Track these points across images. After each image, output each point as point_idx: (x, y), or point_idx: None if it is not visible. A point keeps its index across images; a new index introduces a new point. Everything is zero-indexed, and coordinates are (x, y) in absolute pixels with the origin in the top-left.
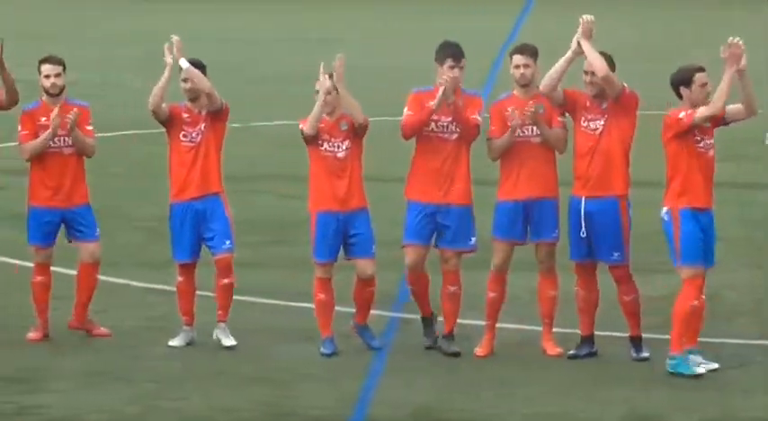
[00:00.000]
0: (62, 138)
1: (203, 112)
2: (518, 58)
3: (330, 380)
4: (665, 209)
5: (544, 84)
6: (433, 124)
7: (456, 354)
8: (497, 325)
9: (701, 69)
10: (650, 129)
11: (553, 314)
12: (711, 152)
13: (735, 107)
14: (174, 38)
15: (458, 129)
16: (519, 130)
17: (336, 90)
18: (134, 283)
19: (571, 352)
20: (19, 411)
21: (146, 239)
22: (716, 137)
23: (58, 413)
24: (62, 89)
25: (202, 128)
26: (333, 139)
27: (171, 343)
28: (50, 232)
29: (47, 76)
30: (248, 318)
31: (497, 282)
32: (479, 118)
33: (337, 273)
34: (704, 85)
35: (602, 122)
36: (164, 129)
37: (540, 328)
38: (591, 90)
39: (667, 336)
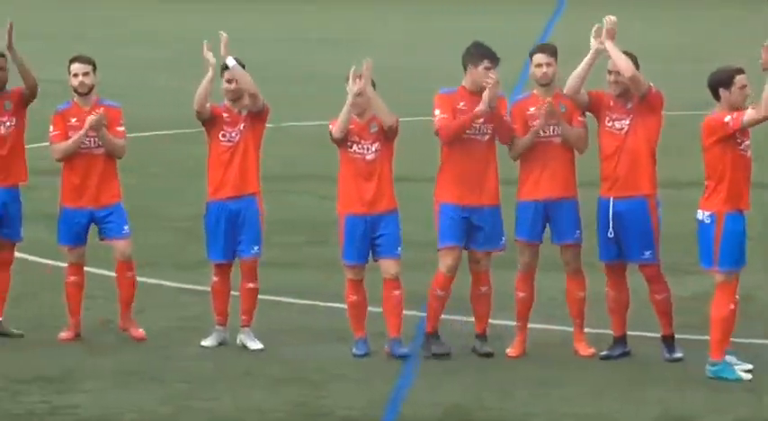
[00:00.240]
0: (92, 138)
1: (243, 113)
2: (540, 57)
3: (362, 381)
4: (706, 212)
5: (569, 86)
6: None
7: (489, 355)
8: (530, 325)
9: (741, 71)
10: (676, 129)
11: (583, 314)
12: (749, 153)
13: None
14: (223, 35)
15: (489, 131)
16: (540, 130)
17: (363, 93)
18: (168, 283)
19: (604, 352)
20: (51, 411)
21: (180, 239)
22: None
23: (90, 413)
24: (90, 88)
25: (241, 128)
26: (362, 141)
27: (203, 343)
28: (79, 232)
29: (75, 75)
30: (281, 319)
31: (525, 282)
32: (508, 118)
33: (370, 273)
34: (744, 87)
35: (628, 122)
36: (198, 129)
37: (572, 329)
38: (615, 89)
39: (699, 337)
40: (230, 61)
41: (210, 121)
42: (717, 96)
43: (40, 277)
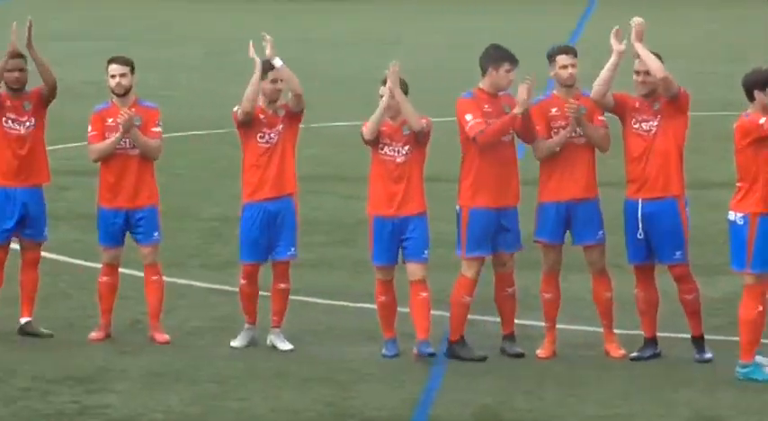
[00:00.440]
0: (127, 139)
1: (280, 113)
2: (565, 59)
3: (392, 381)
4: (738, 214)
5: (595, 91)
6: None
7: (520, 355)
8: (559, 326)
9: None
10: (702, 129)
11: (611, 315)
12: None
13: None
14: (268, 37)
15: (511, 132)
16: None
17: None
18: (197, 284)
19: (634, 354)
20: (81, 411)
21: (209, 240)
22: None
23: (119, 413)
24: (127, 89)
25: (280, 128)
26: (393, 143)
27: (233, 343)
28: (115, 233)
29: (113, 76)
30: (310, 319)
31: (550, 284)
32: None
33: (399, 274)
34: None
35: (656, 123)
36: (225, 130)
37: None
38: (642, 90)
39: (729, 338)
40: (278, 61)
41: (248, 123)
42: (751, 97)
43: (70, 277)
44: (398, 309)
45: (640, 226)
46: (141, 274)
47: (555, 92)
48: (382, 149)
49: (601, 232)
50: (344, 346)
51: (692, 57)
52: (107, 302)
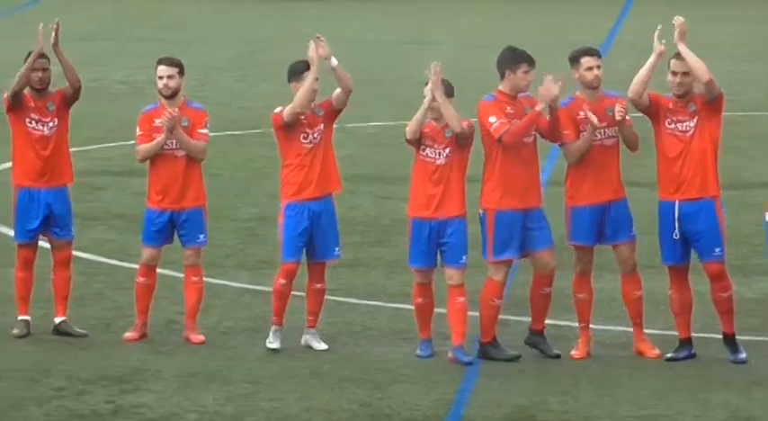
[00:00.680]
0: (174, 140)
1: (319, 113)
2: (591, 60)
3: (426, 382)
4: None
5: (633, 91)
6: None
7: (557, 357)
8: (593, 326)
9: None
10: (739, 130)
11: (642, 314)
12: None
13: None
14: (321, 38)
15: (533, 132)
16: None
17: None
18: (233, 284)
19: (669, 354)
20: (116, 411)
21: (245, 240)
22: None
23: (154, 413)
24: (175, 91)
25: (321, 128)
26: (435, 145)
27: (271, 345)
28: (158, 233)
29: (160, 78)
30: (345, 319)
31: (584, 284)
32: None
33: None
34: None
35: (693, 124)
36: (261, 130)
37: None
38: (678, 91)
39: (765, 338)
40: (334, 61)
41: (293, 124)
42: None
43: (105, 278)
44: (435, 309)
45: (677, 226)
46: (176, 274)
47: (578, 93)
48: (424, 151)
49: (633, 230)
50: (379, 347)
51: (728, 56)
52: (143, 303)
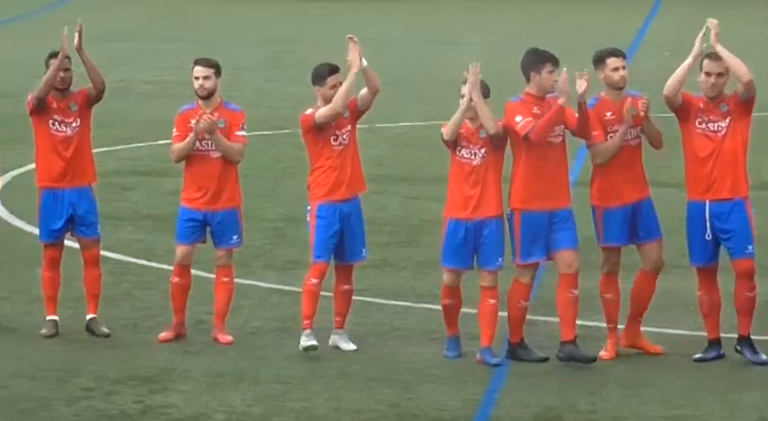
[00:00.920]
0: (209, 141)
1: (345, 114)
2: (616, 61)
3: (454, 382)
4: None
5: (670, 88)
6: None
7: (593, 360)
8: (621, 327)
9: None
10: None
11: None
12: None
13: None
14: (354, 39)
15: (562, 132)
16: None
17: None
18: (261, 284)
19: (698, 355)
20: (144, 411)
21: (274, 240)
22: None
23: (182, 413)
24: (211, 92)
25: (349, 129)
26: (470, 146)
27: (308, 343)
28: (192, 231)
29: (196, 78)
30: (374, 320)
31: (612, 284)
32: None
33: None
34: None
35: (725, 124)
36: (290, 130)
37: (668, 331)
38: (712, 92)
39: None
40: (364, 62)
41: (324, 127)
42: None
43: (133, 278)
44: (465, 310)
45: (708, 227)
46: (204, 274)
47: (603, 94)
48: (459, 152)
49: (661, 228)
50: (407, 347)
51: (755, 56)
52: (179, 302)
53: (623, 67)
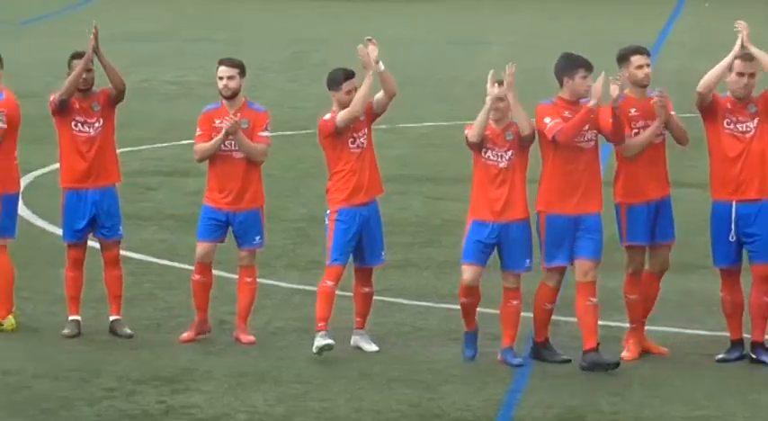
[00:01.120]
0: (232, 142)
1: (362, 117)
2: (641, 59)
3: (476, 382)
4: None
5: (706, 85)
6: None
7: (617, 365)
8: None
9: None
10: None
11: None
12: None
13: None
14: (373, 41)
15: (594, 137)
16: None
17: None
18: (283, 284)
19: (720, 356)
20: (166, 411)
21: (296, 240)
22: None
23: (205, 413)
24: (235, 92)
25: (365, 132)
26: (496, 148)
27: (323, 342)
28: (212, 228)
29: (220, 78)
30: (395, 320)
31: (636, 285)
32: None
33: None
34: None
35: (753, 125)
36: (312, 131)
37: (690, 331)
38: (743, 92)
39: None
40: (381, 65)
41: (344, 130)
42: None
43: (156, 278)
44: (487, 310)
45: (733, 228)
46: (226, 275)
47: (627, 92)
48: (485, 154)
49: (675, 231)
50: (429, 347)
51: None
52: (201, 300)
53: (647, 65)
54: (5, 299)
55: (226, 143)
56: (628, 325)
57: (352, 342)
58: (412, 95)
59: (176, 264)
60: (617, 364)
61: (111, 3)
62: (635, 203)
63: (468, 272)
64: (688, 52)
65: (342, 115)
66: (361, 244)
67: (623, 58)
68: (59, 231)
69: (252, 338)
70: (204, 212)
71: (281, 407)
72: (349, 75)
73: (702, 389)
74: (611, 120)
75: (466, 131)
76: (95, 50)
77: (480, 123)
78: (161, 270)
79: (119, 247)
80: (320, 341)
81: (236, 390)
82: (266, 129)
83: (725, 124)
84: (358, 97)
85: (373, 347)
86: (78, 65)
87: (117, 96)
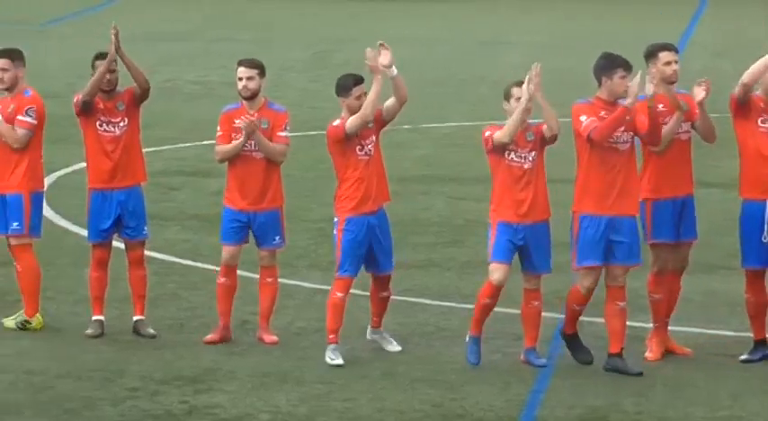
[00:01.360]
0: (252, 142)
1: (371, 125)
2: (669, 55)
3: (499, 382)
4: None
5: (751, 76)
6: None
7: (639, 374)
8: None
9: None
10: None
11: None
12: None
13: None
14: (386, 46)
15: (629, 139)
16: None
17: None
18: (305, 284)
19: (744, 356)
20: (190, 411)
21: (317, 240)
22: None
23: (228, 413)
24: (254, 93)
25: (373, 139)
26: (520, 150)
27: (334, 362)
28: (235, 230)
29: (240, 79)
30: (418, 320)
31: (660, 284)
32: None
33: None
34: None
35: None
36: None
37: (714, 332)
38: None
39: None
40: (394, 70)
41: (354, 136)
42: None
43: (179, 278)
44: (509, 310)
45: (766, 228)
46: (249, 275)
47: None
48: (509, 155)
49: (698, 229)
50: (452, 347)
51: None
52: (225, 304)
53: (675, 62)
54: (33, 297)
55: (246, 143)
56: (651, 325)
57: (368, 336)
58: (435, 96)
59: (199, 265)
60: (639, 374)
61: (133, 3)
62: (660, 198)
63: (498, 271)
64: (710, 53)
65: (352, 120)
66: (373, 253)
67: (651, 55)
68: (82, 231)
69: (275, 338)
70: (226, 215)
71: (304, 407)
72: (358, 80)
73: (726, 389)
74: (647, 122)
75: (487, 134)
76: (117, 51)
77: (516, 123)
78: (184, 270)
79: (143, 248)
80: (332, 360)
81: (259, 390)
82: (285, 130)
83: (760, 123)
84: (368, 102)
85: (396, 347)
86: (101, 65)
87: (141, 95)
